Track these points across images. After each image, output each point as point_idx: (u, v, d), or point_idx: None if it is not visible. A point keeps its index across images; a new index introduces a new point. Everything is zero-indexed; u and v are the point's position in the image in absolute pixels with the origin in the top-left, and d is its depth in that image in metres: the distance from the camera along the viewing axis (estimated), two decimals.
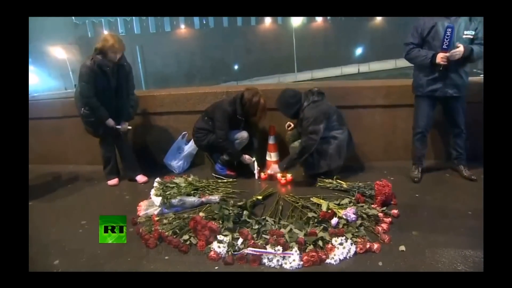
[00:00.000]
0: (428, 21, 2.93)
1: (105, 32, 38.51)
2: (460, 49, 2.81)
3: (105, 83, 3.14)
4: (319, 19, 43.50)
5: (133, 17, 39.18)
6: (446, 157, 3.48)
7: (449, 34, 2.81)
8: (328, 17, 44.23)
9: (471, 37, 2.88)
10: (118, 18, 39.17)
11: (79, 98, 3.22)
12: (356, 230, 2.34)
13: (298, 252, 2.08)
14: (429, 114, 3.15)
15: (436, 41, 2.92)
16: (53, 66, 34.20)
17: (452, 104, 3.10)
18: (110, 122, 3.25)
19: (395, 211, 2.58)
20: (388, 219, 2.48)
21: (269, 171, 3.38)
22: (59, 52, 33.88)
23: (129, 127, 3.44)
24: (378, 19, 45.81)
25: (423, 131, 3.21)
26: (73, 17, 37.97)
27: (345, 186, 3.03)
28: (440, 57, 2.87)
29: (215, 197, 2.91)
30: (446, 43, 2.84)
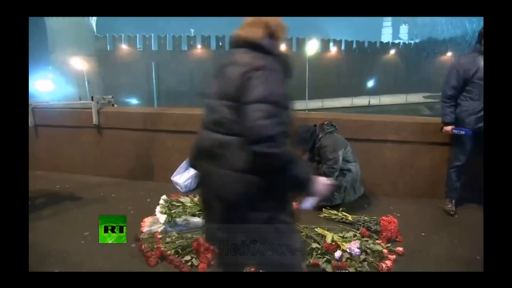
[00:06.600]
0: (471, 63, 2.96)
1: (124, 46, 39.71)
2: None
3: None
4: (333, 50, 44.29)
5: (152, 34, 40.28)
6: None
7: (462, 133, 3.07)
8: (342, 48, 45.00)
9: None
10: (137, 34, 40.36)
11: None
12: (360, 265, 2.31)
13: None
14: (470, 149, 3.16)
15: (479, 86, 2.93)
16: (71, 76, 35.12)
17: None
18: None
19: (400, 249, 2.54)
20: (393, 256, 2.45)
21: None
22: (78, 63, 34.86)
23: None
24: (392, 53, 46.52)
25: (463, 164, 3.23)
26: (95, 30, 39.27)
27: (350, 219, 3.00)
28: (447, 130, 3.15)
29: None
30: (456, 131, 3.10)
